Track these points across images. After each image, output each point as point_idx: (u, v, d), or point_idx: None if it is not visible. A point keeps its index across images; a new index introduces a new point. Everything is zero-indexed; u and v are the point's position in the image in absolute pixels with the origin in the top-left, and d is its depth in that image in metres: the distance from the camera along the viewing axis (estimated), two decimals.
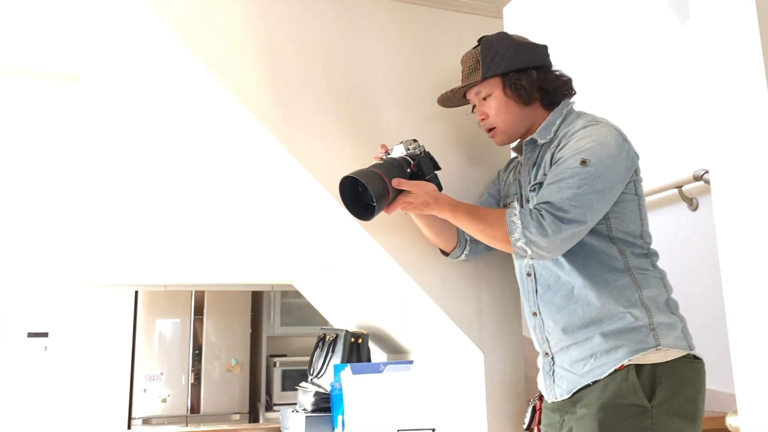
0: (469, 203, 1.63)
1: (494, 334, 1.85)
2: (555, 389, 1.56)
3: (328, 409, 2.33)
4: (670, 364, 1.42)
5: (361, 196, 1.54)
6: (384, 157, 1.66)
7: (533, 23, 2.77)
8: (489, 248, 1.77)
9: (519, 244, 1.44)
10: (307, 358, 2.72)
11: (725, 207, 1.15)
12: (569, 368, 1.52)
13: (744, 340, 1.11)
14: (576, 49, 2.88)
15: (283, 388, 5.34)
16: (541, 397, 1.66)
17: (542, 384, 1.62)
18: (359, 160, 1.74)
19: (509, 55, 1.62)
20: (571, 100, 1.67)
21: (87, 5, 1.82)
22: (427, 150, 1.66)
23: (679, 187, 2.42)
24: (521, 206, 1.55)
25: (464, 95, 1.73)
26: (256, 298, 5.69)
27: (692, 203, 2.42)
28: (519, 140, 1.71)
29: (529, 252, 1.44)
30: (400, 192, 1.54)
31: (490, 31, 2.06)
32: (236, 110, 1.80)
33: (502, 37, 1.67)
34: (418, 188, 1.54)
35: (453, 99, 1.77)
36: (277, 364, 5.39)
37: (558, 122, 1.61)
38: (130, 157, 2.59)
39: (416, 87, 1.95)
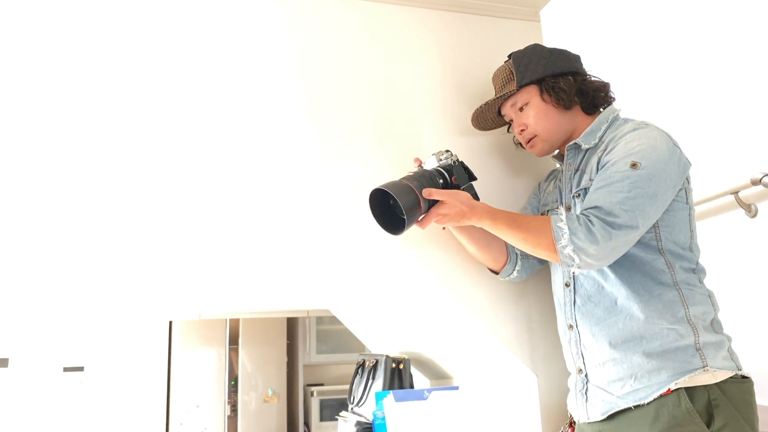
0: (509, 211, 1.51)
1: (547, 355, 1.72)
2: (588, 409, 1.45)
3: None
4: (720, 385, 1.30)
5: (392, 209, 1.43)
6: (416, 170, 1.57)
7: (571, 26, 2.67)
8: (542, 262, 1.66)
9: (566, 251, 1.32)
10: (345, 387, 2.61)
11: None
12: (605, 387, 1.40)
13: None
14: (619, 51, 2.76)
15: (322, 418, 5.22)
16: (571, 424, 1.54)
17: (573, 404, 1.51)
18: (395, 173, 1.64)
19: (543, 62, 1.55)
20: (617, 108, 1.57)
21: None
22: (461, 160, 1.56)
23: (736, 192, 2.27)
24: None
25: (499, 113, 1.65)
26: (291, 325, 5.60)
27: (750, 209, 2.27)
28: (559, 149, 1.62)
29: (577, 260, 1.32)
30: (433, 204, 1.43)
31: (528, 34, 1.98)
32: (271, 128, 1.74)
33: (534, 46, 1.61)
34: (451, 197, 1.42)
35: (487, 117, 1.68)
36: (315, 394, 5.28)
37: (603, 128, 1.52)
38: (164, 189, 2.55)
39: (454, 96, 1.86)
